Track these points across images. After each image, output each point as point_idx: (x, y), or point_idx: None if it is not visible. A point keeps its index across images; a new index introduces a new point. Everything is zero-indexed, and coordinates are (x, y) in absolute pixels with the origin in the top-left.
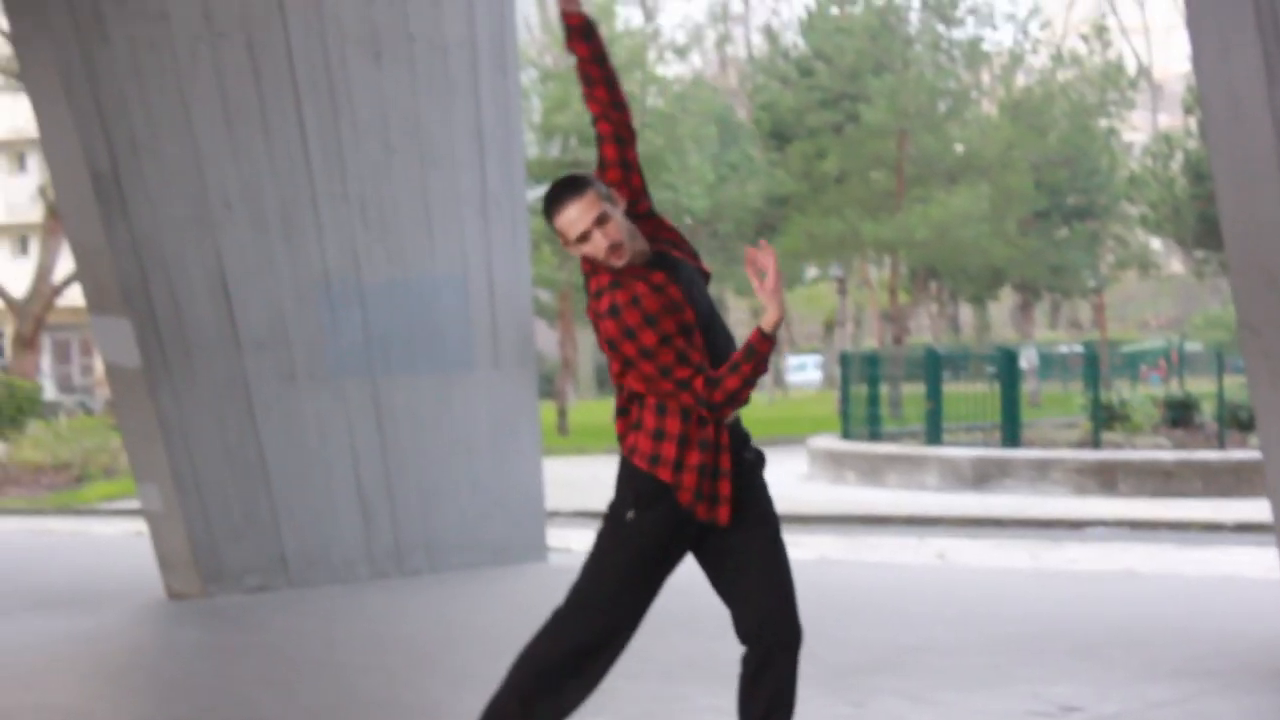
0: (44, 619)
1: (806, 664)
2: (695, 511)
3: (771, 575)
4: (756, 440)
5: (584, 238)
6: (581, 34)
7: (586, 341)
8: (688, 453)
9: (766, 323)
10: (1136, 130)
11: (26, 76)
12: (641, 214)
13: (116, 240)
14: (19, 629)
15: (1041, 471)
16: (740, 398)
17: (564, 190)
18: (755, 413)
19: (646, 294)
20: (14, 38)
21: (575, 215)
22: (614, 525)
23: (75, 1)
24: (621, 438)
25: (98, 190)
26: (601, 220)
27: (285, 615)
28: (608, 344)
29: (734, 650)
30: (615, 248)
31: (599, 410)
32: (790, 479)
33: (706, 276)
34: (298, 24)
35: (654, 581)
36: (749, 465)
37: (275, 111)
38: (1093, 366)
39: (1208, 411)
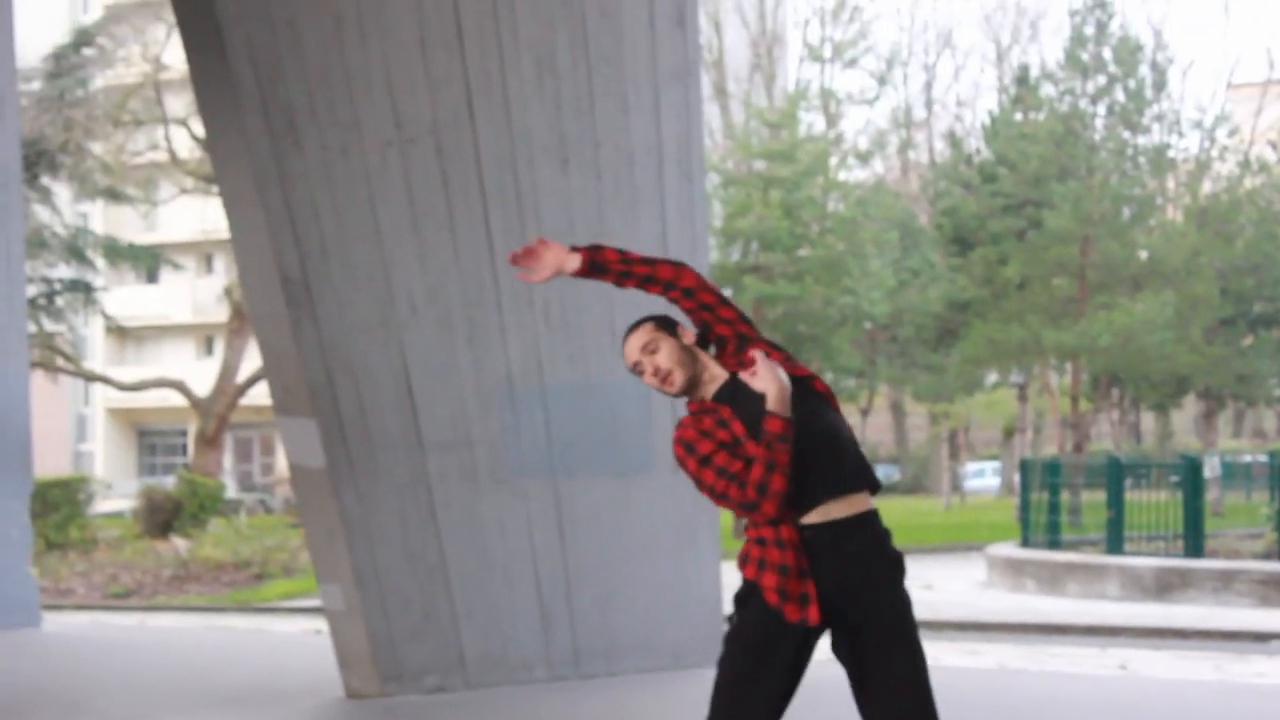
0: (224, 716)
1: None
2: (784, 612)
3: (904, 695)
4: (930, 547)
5: (636, 368)
6: (597, 272)
7: None
8: (768, 550)
9: (770, 402)
10: None
11: (220, 180)
12: (730, 337)
13: (304, 343)
14: None
15: (1225, 582)
16: (772, 487)
17: (631, 326)
18: (932, 518)
19: (685, 426)
20: (209, 142)
21: (630, 346)
22: (726, 634)
23: (270, 109)
24: None
25: (287, 293)
26: (650, 348)
27: (462, 716)
28: None
29: None
30: (662, 375)
31: None
32: (969, 586)
33: (816, 391)
34: (486, 130)
35: (765, 688)
36: (855, 558)
37: (462, 216)
38: (1279, 476)
39: None
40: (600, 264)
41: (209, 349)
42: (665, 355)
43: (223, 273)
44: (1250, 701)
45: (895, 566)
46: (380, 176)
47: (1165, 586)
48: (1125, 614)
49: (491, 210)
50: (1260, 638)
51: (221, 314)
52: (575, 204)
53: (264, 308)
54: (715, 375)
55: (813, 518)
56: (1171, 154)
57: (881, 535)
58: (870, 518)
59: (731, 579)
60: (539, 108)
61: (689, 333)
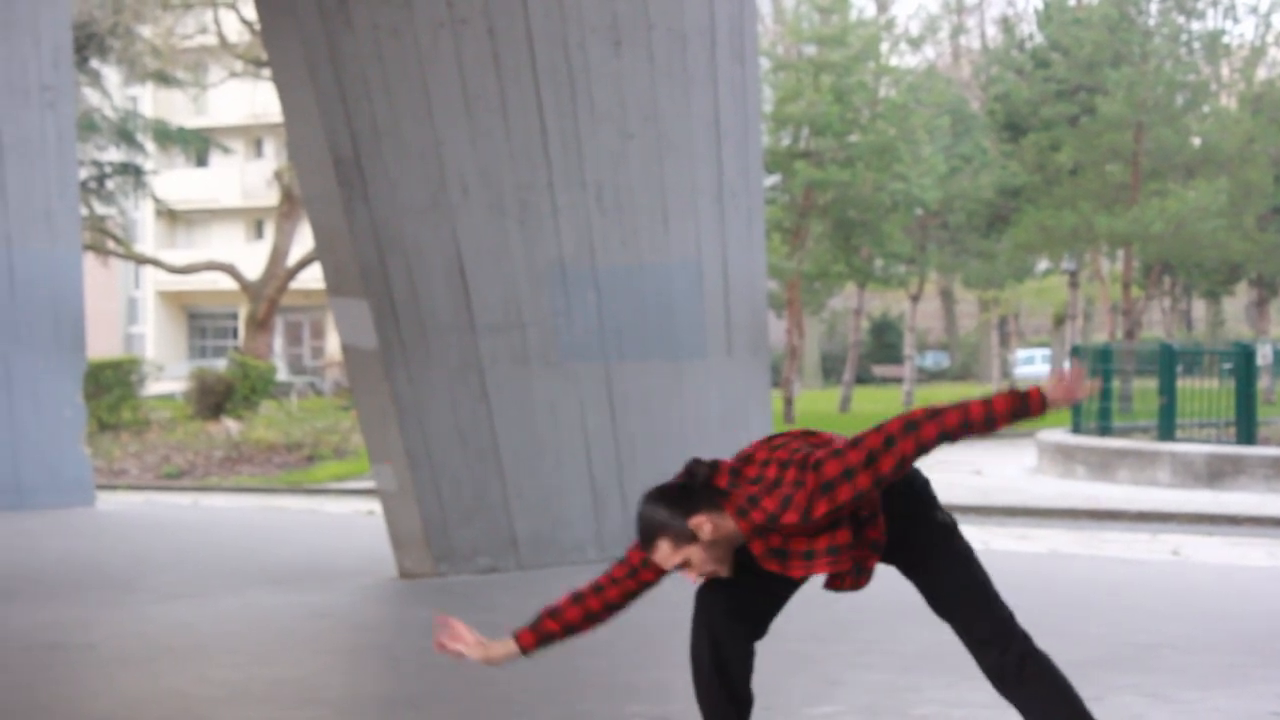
0: (278, 595)
1: None
2: None
3: (961, 602)
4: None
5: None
6: (543, 644)
7: (814, 330)
8: None
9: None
10: None
11: (272, 62)
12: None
13: (357, 224)
14: (253, 604)
15: (1277, 469)
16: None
17: (646, 535)
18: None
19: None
20: (262, 24)
21: (660, 558)
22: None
23: None
24: None
25: (339, 174)
26: (683, 565)
27: (515, 596)
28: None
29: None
30: (708, 575)
31: (824, 399)
32: (1019, 472)
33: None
34: (538, 10)
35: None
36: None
37: (514, 98)
38: None
39: None
40: (549, 637)
41: (259, 233)
42: (700, 562)
43: (272, 157)
44: None
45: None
46: (432, 57)
47: (1217, 473)
48: (1177, 500)
49: (544, 92)
50: None
51: (271, 198)
52: (627, 85)
53: (316, 188)
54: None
55: None
56: (1226, 40)
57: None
58: None
59: None
60: None
61: (705, 525)
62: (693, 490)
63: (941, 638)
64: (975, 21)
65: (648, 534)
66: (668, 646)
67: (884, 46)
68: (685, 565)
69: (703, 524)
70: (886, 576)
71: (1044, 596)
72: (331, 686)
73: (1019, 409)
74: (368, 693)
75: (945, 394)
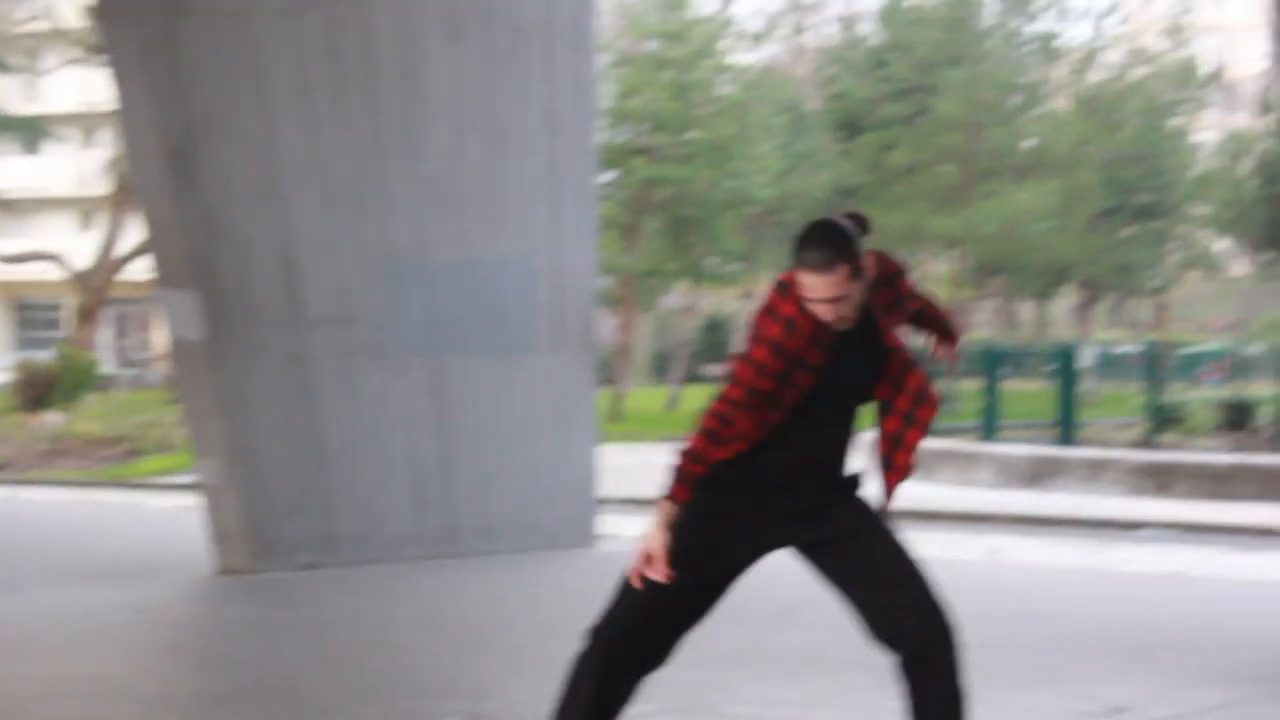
0: (96, 590)
1: (855, 655)
2: None
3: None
4: None
5: (811, 303)
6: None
7: (646, 328)
8: None
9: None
10: (1208, 130)
11: (108, 49)
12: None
13: (188, 214)
14: (71, 599)
15: (1096, 471)
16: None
17: (816, 255)
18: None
19: (791, 306)
20: (98, 9)
21: (813, 284)
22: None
23: None
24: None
25: (172, 164)
26: (836, 298)
27: (335, 593)
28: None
29: (784, 639)
30: (838, 318)
31: (654, 397)
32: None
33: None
34: (377, 3)
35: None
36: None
37: (350, 88)
38: (1152, 367)
39: (1266, 415)
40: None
41: (90, 223)
42: (850, 302)
43: (106, 145)
44: (1117, 587)
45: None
46: (268, 46)
47: (1038, 474)
48: (998, 501)
49: (380, 84)
50: (1129, 526)
51: (104, 187)
52: (464, 78)
53: (148, 177)
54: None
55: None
56: (1060, 43)
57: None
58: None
59: (608, 461)
60: None
61: (871, 265)
62: (862, 241)
63: (756, 637)
64: (815, 20)
65: (835, 251)
66: (486, 645)
67: (724, 43)
68: (838, 303)
69: (870, 264)
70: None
71: None
72: (147, 683)
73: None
74: (183, 689)
75: None
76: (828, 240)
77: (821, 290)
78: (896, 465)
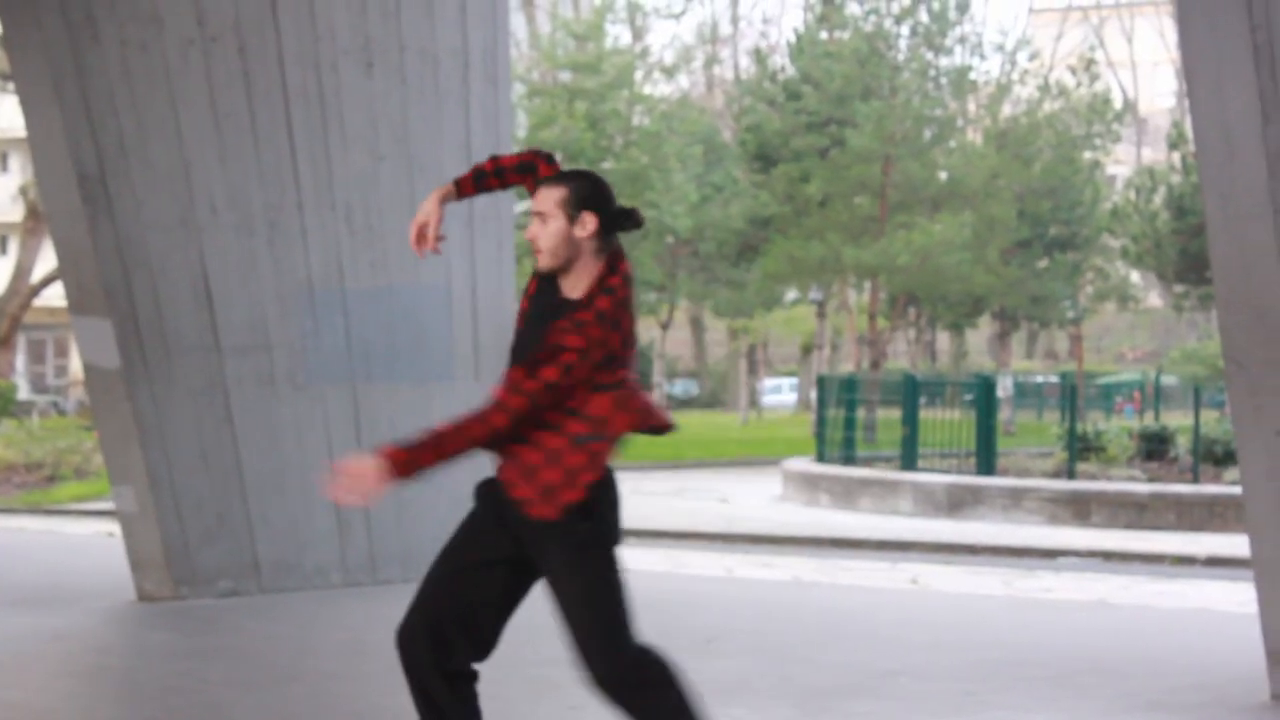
0: (12, 617)
1: (780, 684)
2: None
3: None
4: (727, 461)
5: (530, 215)
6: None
7: None
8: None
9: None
10: (1120, 163)
11: (16, 75)
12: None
13: (101, 241)
14: None
15: (1015, 500)
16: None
17: (557, 174)
18: (729, 433)
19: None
20: (6, 37)
21: (539, 197)
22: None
23: (67, 2)
24: None
25: (84, 191)
26: (542, 216)
27: (257, 620)
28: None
29: (710, 666)
30: (534, 247)
31: None
32: (765, 500)
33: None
34: (290, 30)
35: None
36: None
37: (264, 117)
38: (1069, 397)
39: (1182, 445)
40: (479, 176)
41: (2, 248)
42: (548, 235)
43: (17, 172)
44: (1037, 615)
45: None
46: (181, 74)
47: (957, 503)
48: (917, 529)
49: (294, 112)
50: (1048, 554)
51: (15, 213)
52: (379, 107)
53: (60, 205)
54: (585, 276)
55: None
56: (973, 76)
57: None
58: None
59: None
60: (343, 9)
61: (590, 224)
62: (617, 217)
63: (685, 664)
64: (729, 52)
65: (568, 178)
66: None
67: (638, 75)
68: (541, 221)
69: (589, 222)
70: (635, 601)
71: (786, 624)
72: (67, 711)
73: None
74: (105, 716)
75: (694, 422)
76: (573, 173)
77: (538, 202)
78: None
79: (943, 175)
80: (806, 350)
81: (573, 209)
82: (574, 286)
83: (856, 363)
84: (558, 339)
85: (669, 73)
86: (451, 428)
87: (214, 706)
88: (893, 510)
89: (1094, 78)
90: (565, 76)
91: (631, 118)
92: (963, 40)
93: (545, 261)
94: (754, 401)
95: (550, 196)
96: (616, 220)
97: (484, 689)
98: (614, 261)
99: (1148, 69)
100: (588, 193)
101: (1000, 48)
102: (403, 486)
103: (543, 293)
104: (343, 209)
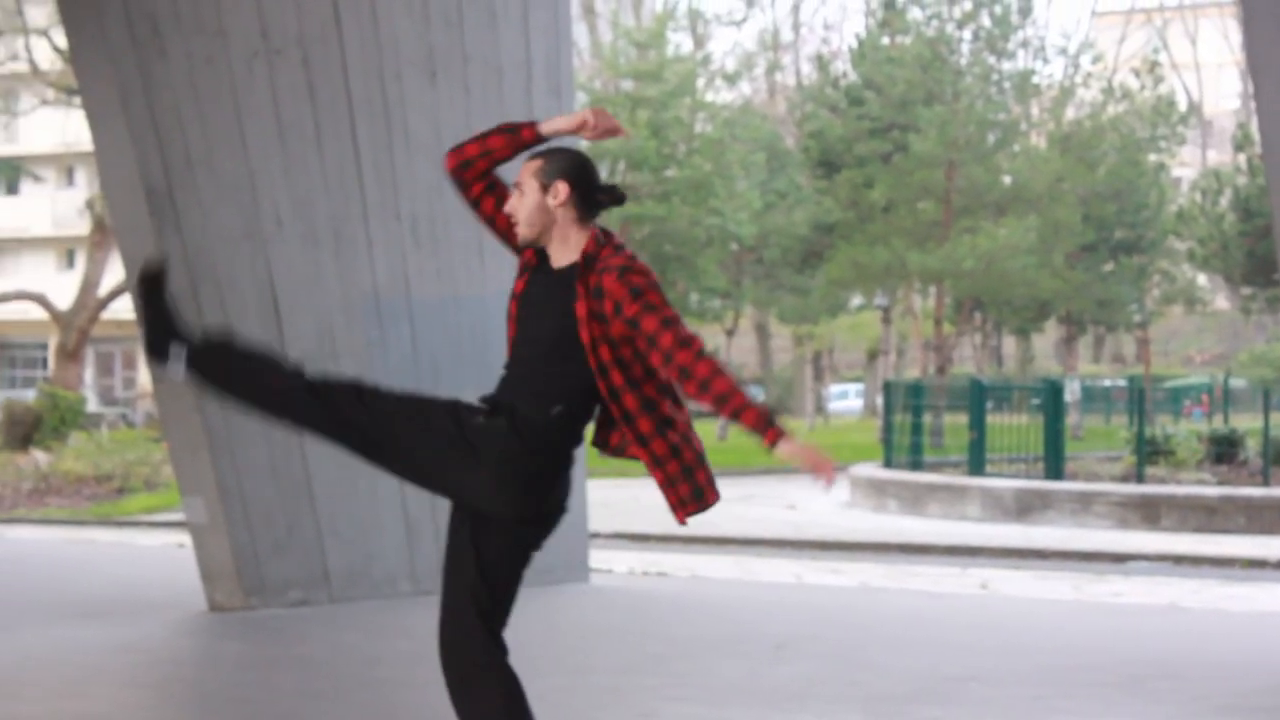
0: (84, 629)
1: (849, 690)
2: None
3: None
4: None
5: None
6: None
7: None
8: None
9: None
10: (1185, 166)
11: (83, 90)
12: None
13: (167, 254)
14: (59, 638)
15: (1084, 504)
16: None
17: (541, 150)
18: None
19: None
20: (72, 52)
21: (523, 172)
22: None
23: (133, 16)
24: None
25: (151, 204)
26: (519, 187)
27: (327, 629)
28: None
29: (779, 672)
30: (510, 213)
31: None
32: (832, 506)
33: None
34: (354, 42)
35: None
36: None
37: (329, 128)
38: (1137, 400)
39: (1252, 448)
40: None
41: (70, 262)
42: (524, 206)
43: (84, 185)
44: (1107, 619)
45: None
46: (246, 87)
47: (1025, 508)
48: (986, 534)
49: (359, 123)
50: (1117, 559)
51: (82, 227)
52: (443, 118)
53: (127, 219)
54: (572, 245)
55: None
56: (1036, 80)
57: None
58: None
59: (598, 496)
60: (407, 20)
61: (562, 192)
62: (595, 190)
63: (751, 670)
64: (790, 59)
65: (544, 153)
66: None
67: (700, 82)
68: (519, 192)
69: (561, 190)
70: (704, 608)
71: (854, 630)
72: None
73: (753, 427)
74: None
75: None
76: (552, 148)
77: (518, 176)
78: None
79: (1007, 179)
80: (872, 356)
81: (546, 178)
82: (561, 255)
83: (922, 368)
84: (624, 293)
85: (731, 80)
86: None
87: (284, 716)
88: (961, 515)
89: (1158, 80)
90: (627, 85)
91: (694, 125)
92: (1025, 44)
93: (522, 232)
94: (820, 408)
95: (527, 169)
96: (594, 193)
97: (552, 698)
98: (607, 236)
99: (1212, 71)
100: (563, 164)
101: (1063, 51)
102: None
103: (539, 273)
104: (408, 219)
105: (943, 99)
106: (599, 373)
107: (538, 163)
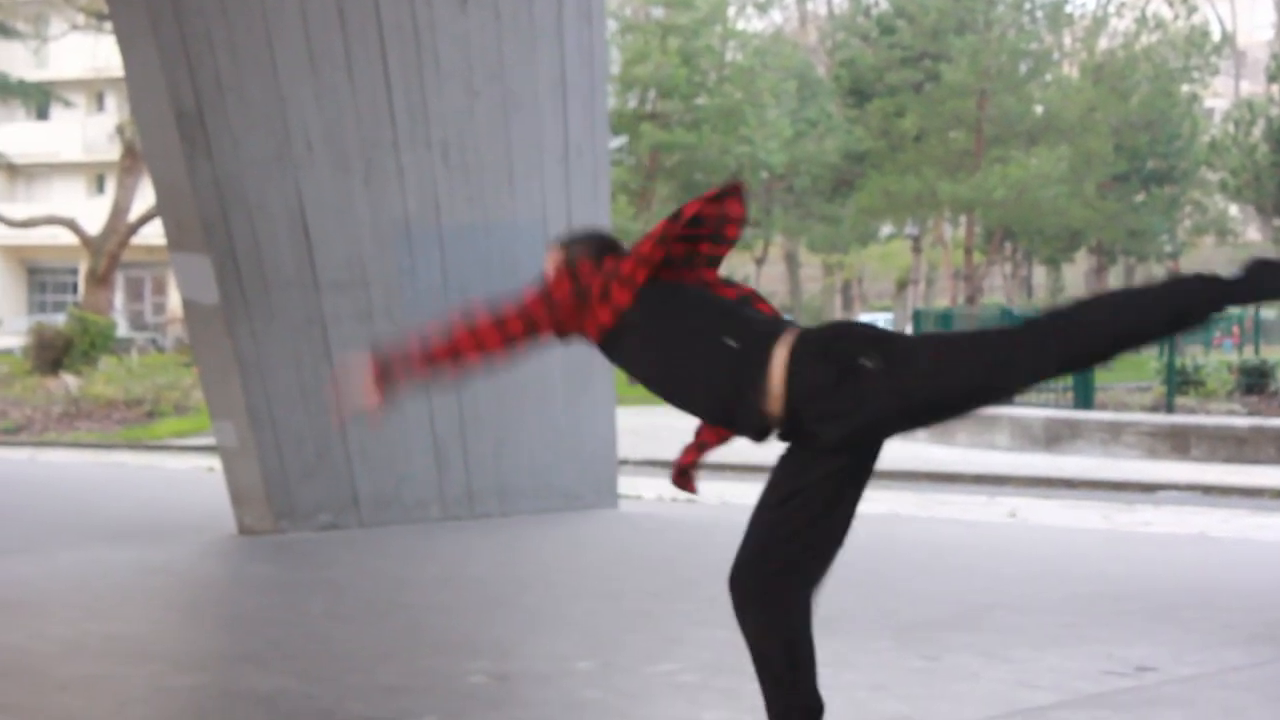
0: (115, 551)
1: (879, 617)
2: None
3: None
4: None
5: None
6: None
7: None
8: None
9: None
10: (1218, 96)
11: (114, 15)
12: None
13: (199, 178)
14: (91, 560)
15: (1114, 434)
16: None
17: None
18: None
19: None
20: None
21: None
22: None
23: None
24: None
25: (181, 129)
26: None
27: (356, 553)
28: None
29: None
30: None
31: None
32: None
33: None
34: None
35: None
36: None
37: (359, 54)
38: None
39: None
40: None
41: (100, 187)
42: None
43: (114, 111)
44: (1137, 548)
45: None
46: (277, 13)
47: (1054, 437)
48: (1015, 464)
49: (389, 48)
50: (1147, 488)
51: (113, 152)
52: (473, 42)
53: (158, 143)
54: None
55: None
56: (1069, 9)
57: None
58: None
59: (627, 423)
60: None
61: (586, 266)
62: (603, 244)
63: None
64: None
65: (566, 240)
66: (507, 604)
67: (731, 10)
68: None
69: (585, 266)
70: (733, 534)
71: (884, 558)
72: (169, 642)
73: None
74: (206, 648)
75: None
76: (574, 233)
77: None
78: None
79: (1038, 109)
80: (902, 285)
81: (568, 263)
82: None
83: (952, 297)
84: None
85: (762, 8)
86: None
87: (313, 638)
88: (990, 444)
89: (1191, 10)
90: (658, 12)
91: (725, 53)
92: None
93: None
94: None
95: (549, 259)
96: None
97: (583, 622)
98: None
99: (1246, 1)
100: (574, 244)
101: None
102: None
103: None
104: (439, 146)
105: (975, 28)
106: None
107: (556, 253)
